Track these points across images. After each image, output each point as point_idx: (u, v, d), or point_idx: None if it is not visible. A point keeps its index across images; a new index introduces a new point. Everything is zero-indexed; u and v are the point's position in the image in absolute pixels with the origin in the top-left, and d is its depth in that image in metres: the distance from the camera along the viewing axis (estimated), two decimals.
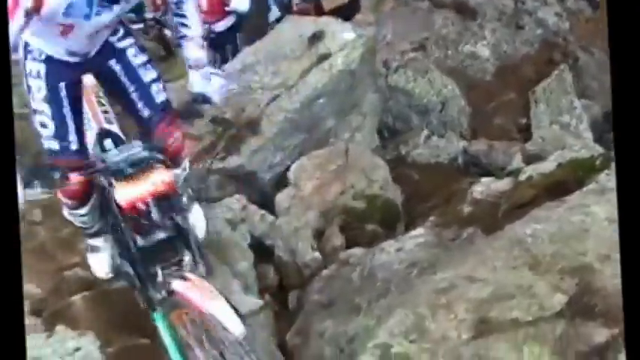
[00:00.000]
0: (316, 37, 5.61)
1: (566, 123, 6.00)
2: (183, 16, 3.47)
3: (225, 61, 6.73)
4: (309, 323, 3.92)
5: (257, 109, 5.29)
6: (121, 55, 3.55)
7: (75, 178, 3.23)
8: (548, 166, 4.37)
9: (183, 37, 3.49)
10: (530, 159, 5.10)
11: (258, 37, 6.30)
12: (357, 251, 4.33)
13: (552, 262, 3.30)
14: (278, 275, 4.47)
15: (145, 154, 3.21)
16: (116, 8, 3.25)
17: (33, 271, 4.24)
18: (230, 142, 5.15)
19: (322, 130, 5.33)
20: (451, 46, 6.78)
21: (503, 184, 4.43)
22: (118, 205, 3.19)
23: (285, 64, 5.55)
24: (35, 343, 3.80)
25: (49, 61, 3.41)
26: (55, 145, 3.43)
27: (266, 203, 4.88)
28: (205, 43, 3.59)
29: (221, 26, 7.38)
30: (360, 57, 5.52)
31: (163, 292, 3.19)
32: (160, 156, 3.23)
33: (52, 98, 3.42)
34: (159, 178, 3.15)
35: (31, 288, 4.21)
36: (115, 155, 3.23)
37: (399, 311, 3.43)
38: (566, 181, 4.03)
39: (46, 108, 3.42)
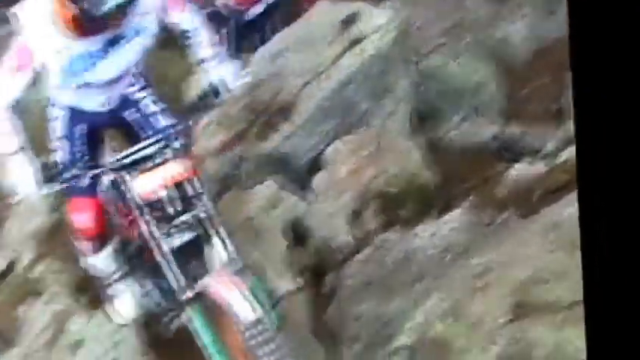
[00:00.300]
0: (348, 22, 5.60)
1: None
2: (187, 31, 3.59)
3: (257, 47, 6.73)
4: (345, 306, 3.95)
5: (290, 94, 5.30)
6: (137, 105, 3.72)
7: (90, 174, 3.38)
8: None
9: (190, 44, 3.60)
10: (565, 143, 5.07)
11: (290, 23, 6.31)
12: (392, 235, 4.34)
13: None
14: (313, 259, 4.50)
15: (154, 149, 3.34)
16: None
17: (73, 256, 4.32)
18: (264, 127, 5.18)
19: (355, 115, 5.32)
20: (484, 28, 6.71)
21: (539, 168, 4.43)
22: (138, 197, 3.29)
23: (317, 49, 5.55)
24: (77, 325, 3.90)
25: (70, 108, 3.61)
26: (67, 181, 3.54)
27: (300, 188, 4.91)
28: (212, 41, 3.67)
29: (253, 13, 7.38)
30: (393, 41, 5.50)
31: (191, 291, 3.27)
32: (169, 151, 3.35)
33: (68, 137, 3.62)
34: (175, 169, 3.29)
35: (74, 269, 4.29)
36: (124, 156, 3.34)
37: (435, 294, 3.46)
38: None
39: (62, 145, 3.62)
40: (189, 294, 3.26)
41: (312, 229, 4.55)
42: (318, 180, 4.88)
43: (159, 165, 3.30)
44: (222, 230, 3.34)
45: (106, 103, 3.62)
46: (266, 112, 5.26)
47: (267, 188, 4.78)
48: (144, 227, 3.29)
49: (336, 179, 4.85)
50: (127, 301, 3.89)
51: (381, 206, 4.71)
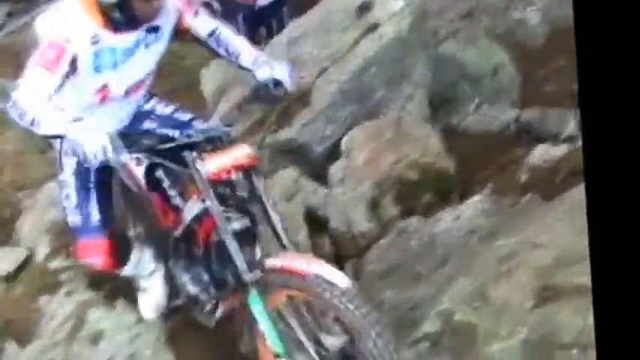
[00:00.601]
0: (364, 7, 5.56)
1: None
2: (225, 44, 3.60)
3: (271, 35, 6.69)
4: (368, 292, 3.90)
5: (307, 81, 5.26)
6: (152, 113, 3.71)
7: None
8: None
9: (237, 55, 3.59)
10: None
11: (300, 13, 6.27)
12: (413, 220, 4.30)
13: None
14: (334, 246, 4.46)
15: (224, 130, 3.34)
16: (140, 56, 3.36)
17: None
18: (281, 115, 5.14)
19: (373, 101, 5.27)
20: (500, 12, 6.64)
21: (561, 150, 4.37)
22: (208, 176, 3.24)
23: (333, 35, 5.51)
24: (97, 316, 3.88)
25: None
26: (76, 219, 3.56)
27: (319, 175, 4.87)
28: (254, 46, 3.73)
29: (261, 4, 7.32)
30: (410, 26, 5.45)
31: (257, 272, 3.19)
32: (235, 134, 3.37)
33: (80, 172, 3.53)
34: (242, 153, 3.28)
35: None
36: (196, 132, 3.34)
37: (460, 279, 3.41)
38: None
39: (72, 180, 3.54)
40: (257, 275, 3.19)
41: (332, 216, 4.51)
42: (337, 167, 4.84)
43: (226, 148, 3.30)
44: (277, 220, 3.33)
45: (125, 119, 3.60)
46: (284, 100, 5.22)
47: (286, 175, 4.74)
48: (213, 204, 3.23)
49: (354, 166, 4.80)
50: (152, 299, 3.82)
51: (401, 192, 4.67)
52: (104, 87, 3.34)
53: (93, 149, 2.97)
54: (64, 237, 4.51)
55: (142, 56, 3.36)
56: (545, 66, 6.29)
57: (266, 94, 3.52)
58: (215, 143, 3.29)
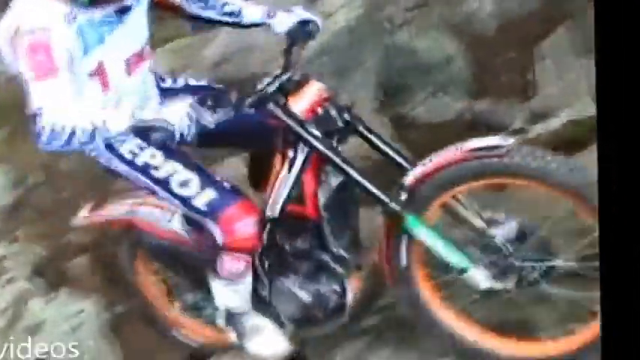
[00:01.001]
0: None
1: (572, 80, 5.90)
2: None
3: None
4: None
5: (259, 67, 5.20)
6: (188, 88, 3.48)
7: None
8: (556, 123, 4.31)
9: (237, 13, 3.49)
10: (535, 117, 5.03)
11: None
12: (362, 212, 4.27)
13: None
14: None
15: (287, 76, 3.15)
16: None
17: (35, 233, 4.21)
18: None
19: None
20: (454, 1, 6.64)
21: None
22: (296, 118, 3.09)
23: None
24: (38, 306, 3.79)
25: (137, 129, 3.07)
26: (211, 194, 3.11)
27: None
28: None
29: None
30: (362, 14, 5.43)
31: (404, 195, 3.02)
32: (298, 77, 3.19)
33: (171, 153, 3.16)
34: (317, 87, 3.16)
35: (34, 249, 4.18)
36: (268, 85, 3.12)
37: None
38: (576, 140, 3.99)
39: (178, 165, 3.14)
40: (404, 195, 3.00)
41: None
42: None
43: (302, 85, 3.14)
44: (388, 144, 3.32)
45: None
46: (234, 87, 5.15)
47: (236, 163, 4.66)
48: (317, 141, 3.06)
49: None
50: (272, 334, 3.35)
51: None
52: (99, 66, 2.97)
53: (179, 120, 2.80)
54: (8, 223, 4.41)
55: (126, 27, 3.04)
56: (495, 58, 6.32)
57: (299, 39, 3.36)
58: (286, 92, 3.10)
